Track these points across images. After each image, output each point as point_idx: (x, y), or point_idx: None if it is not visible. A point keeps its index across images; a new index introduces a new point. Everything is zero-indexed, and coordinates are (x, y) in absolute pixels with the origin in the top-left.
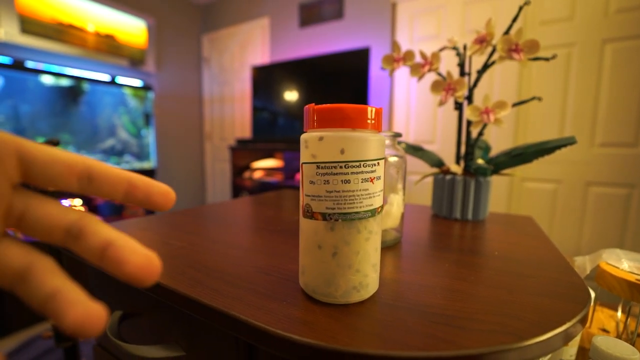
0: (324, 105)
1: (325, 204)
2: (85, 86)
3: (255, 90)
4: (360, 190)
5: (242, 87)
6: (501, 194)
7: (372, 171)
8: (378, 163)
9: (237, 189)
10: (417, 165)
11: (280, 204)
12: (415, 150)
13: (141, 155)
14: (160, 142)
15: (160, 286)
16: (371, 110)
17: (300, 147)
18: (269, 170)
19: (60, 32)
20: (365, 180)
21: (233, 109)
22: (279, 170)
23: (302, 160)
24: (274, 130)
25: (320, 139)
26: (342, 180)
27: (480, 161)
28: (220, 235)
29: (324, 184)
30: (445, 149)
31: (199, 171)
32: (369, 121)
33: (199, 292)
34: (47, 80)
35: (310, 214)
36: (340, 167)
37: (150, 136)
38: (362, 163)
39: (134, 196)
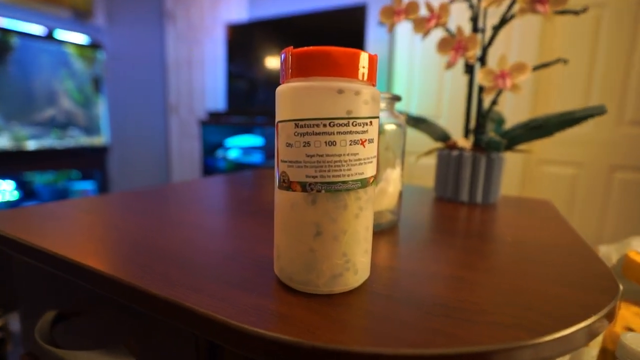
0: (305, 49)
1: (305, 171)
2: (14, 40)
3: (231, 54)
4: (348, 154)
5: (215, 50)
6: (513, 178)
7: (364, 131)
8: (371, 122)
9: (209, 171)
10: (417, 144)
11: (259, 184)
12: (417, 121)
13: (90, 129)
14: (114, 113)
15: (99, 275)
16: (364, 57)
17: (276, 103)
18: (247, 149)
19: None
20: (355, 142)
21: (204, 76)
22: (259, 149)
23: (277, 118)
24: (253, 101)
25: (300, 90)
26: (326, 142)
27: (492, 134)
28: (181, 216)
29: (304, 146)
30: (453, 125)
31: (163, 149)
32: (361, 69)
33: (147, 281)
34: None
35: (286, 185)
36: (324, 125)
37: (101, 106)
38: (351, 121)
39: None
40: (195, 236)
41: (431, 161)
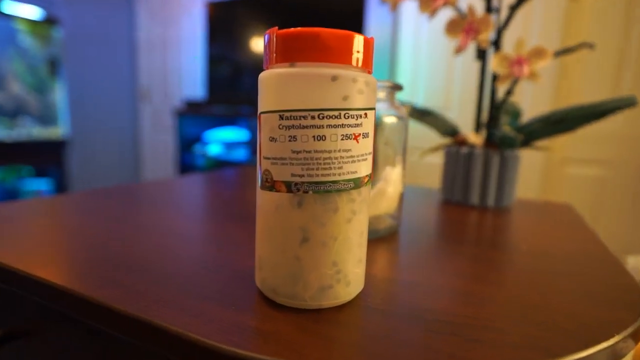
0: (291, 30)
1: (291, 169)
2: None
3: (212, 34)
4: (339, 150)
5: (193, 29)
6: (532, 179)
7: (357, 125)
8: (366, 114)
9: (185, 169)
10: (421, 139)
11: (242, 184)
12: (422, 114)
13: (46, 119)
14: (74, 101)
15: (53, 288)
16: (358, 39)
17: (259, 91)
18: (230, 144)
19: None
20: (347, 137)
21: (180, 59)
22: (244, 144)
23: (260, 108)
24: (237, 88)
25: (285, 76)
26: (314, 137)
27: (507, 129)
28: (151, 220)
29: (290, 141)
30: (463, 118)
31: (132, 144)
32: (355, 54)
33: (110, 294)
34: None
35: (269, 184)
36: (312, 117)
37: (59, 92)
38: (343, 112)
39: None
40: (167, 243)
41: (437, 159)
